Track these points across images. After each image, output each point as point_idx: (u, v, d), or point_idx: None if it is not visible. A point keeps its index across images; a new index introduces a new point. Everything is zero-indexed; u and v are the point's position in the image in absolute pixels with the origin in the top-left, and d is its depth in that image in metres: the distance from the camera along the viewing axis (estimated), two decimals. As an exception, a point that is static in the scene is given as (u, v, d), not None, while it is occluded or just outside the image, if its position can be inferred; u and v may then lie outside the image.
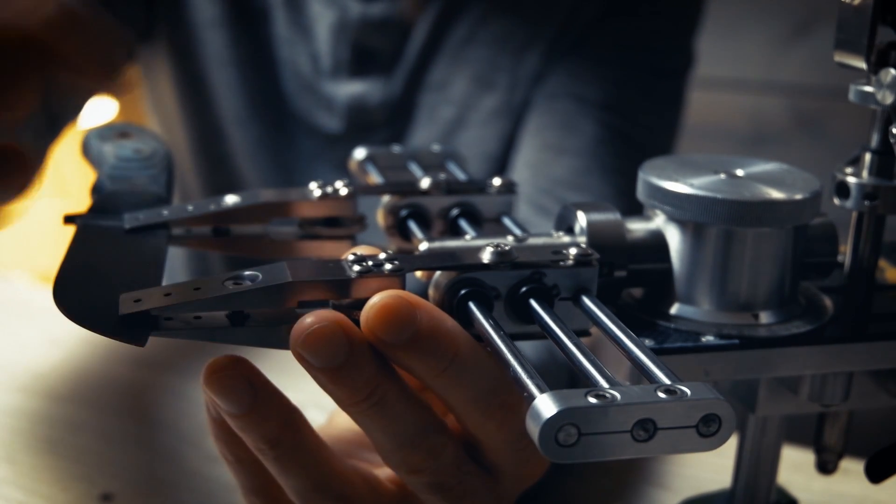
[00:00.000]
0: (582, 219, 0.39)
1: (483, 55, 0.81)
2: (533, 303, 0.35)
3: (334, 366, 0.33)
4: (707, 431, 0.28)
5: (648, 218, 0.41)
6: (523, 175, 0.77)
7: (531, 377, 0.29)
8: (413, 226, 0.43)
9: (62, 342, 0.77)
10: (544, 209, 0.73)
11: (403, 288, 0.35)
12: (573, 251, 0.36)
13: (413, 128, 0.84)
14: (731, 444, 0.38)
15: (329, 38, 0.82)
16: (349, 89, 0.83)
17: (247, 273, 0.34)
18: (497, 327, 0.33)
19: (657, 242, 0.40)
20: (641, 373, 0.31)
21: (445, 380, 0.34)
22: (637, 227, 0.40)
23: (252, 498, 0.40)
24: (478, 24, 0.81)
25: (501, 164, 0.82)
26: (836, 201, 0.40)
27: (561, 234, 0.40)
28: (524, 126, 0.81)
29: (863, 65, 0.37)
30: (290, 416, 0.36)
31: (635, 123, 0.79)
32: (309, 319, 0.33)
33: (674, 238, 0.40)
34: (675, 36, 0.84)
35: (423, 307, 0.33)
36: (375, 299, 0.33)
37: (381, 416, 0.35)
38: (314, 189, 0.44)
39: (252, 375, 0.35)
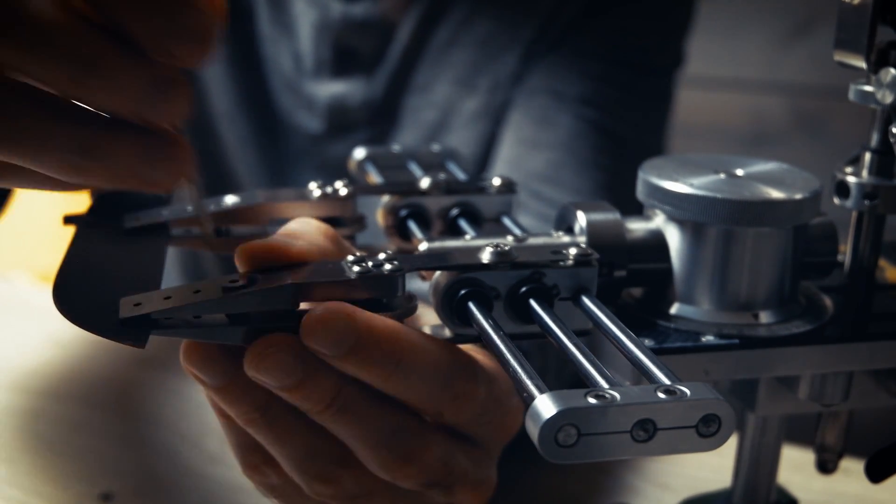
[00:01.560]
0: (582, 218, 0.39)
1: (466, 58, 0.81)
2: (533, 303, 0.35)
3: (290, 384, 0.33)
4: (707, 431, 0.28)
5: (648, 218, 0.41)
6: (500, 171, 0.77)
7: (531, 377, 0.29)
8: (413, 226, 0.43)
9: (62, 342, 0.77)
10: (518, 203, 0.72)
11: (402, 288, 0.35)
12: (573, 251, 0.36)
13: (396, 130, 0.84)
14: (731, 443, 0.38)
15: (311, 37, 0.82)
16: (330, 89, 0.83)
17: (247, 275, 0.34)
18: (497, 327, 0.33)
19: (657, 242, 0.40)
20: (641, 373, 0.31)
21: (393, 384, 0.34)
22: (637, 226, 0.40)
23: (247, 456, 0.39)
24: (461, 27, 0.81)
25: (484, 166, 0.82)
26: (836, 201, 0.40)
27: (560, 233, 0.40)
28: (503, 124, 0.81)
29: (863, 64, 0.37)
30: None
31: (615, 118, 0.78)
32: (260, 349, 0.33)
33: (674, 238, 0.40)
34: (660, 35, 0.83)
35: (359, 317, 0.33)
36: (312, 313, 0.33)
37: (348, 420, 0.35)
38: (314, 189, 0.44)
39: (230, 347, 0.35)
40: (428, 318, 0.40)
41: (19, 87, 0.29)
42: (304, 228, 0.37)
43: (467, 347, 0.38)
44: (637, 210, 0.42)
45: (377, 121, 0.83)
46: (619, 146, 0.77)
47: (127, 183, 0.31)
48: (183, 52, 0.30)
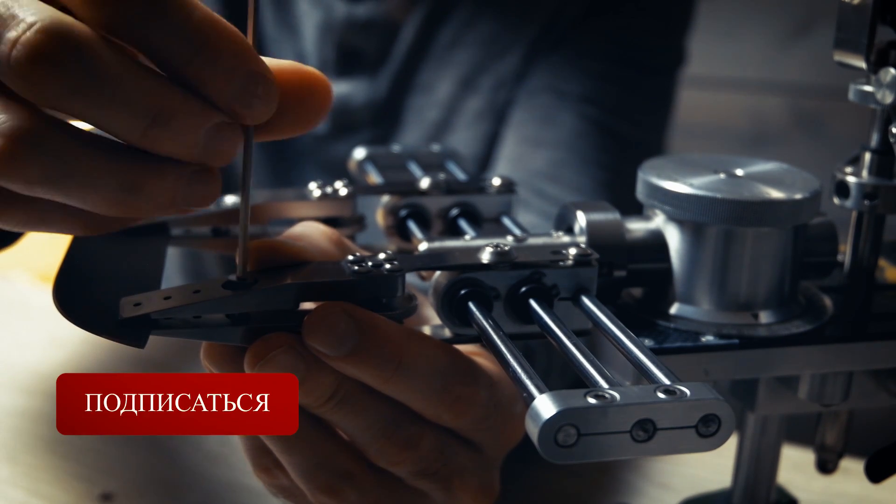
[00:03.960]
0: (581, 218, 0.39)
1: (469, 58, 0.81)
2: (532, 303, 0.35)
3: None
4: (706, 432, 0.28)
5: (648, 218, 0.41)
6: (503, 169, 0.77)
7: (530, 377, 0.29)
8: (413, 226, 0.43)
9: (62, 342, 0.77)
10: (521, 201, 0.73)
11: (403, 287, 0.35)
12: (572, 251, 0.36)
13: (399, 129, 0.84)
14: (731, 443, 0.38)
15: (315, 37, 0.82)
16: (333, 89, 0.82)
17: (246, 275, 0.34)
18: (496, 327, 0.33)
19: (657, 242, 0.40)
20: (641, 373, 0.31)
21: (393, 385, 0.34)
22: (637, 226, 0.40)
23: (258, 458, 0.39)
24: (465, 27, 0.81)
25: (486, 165, 0.82)
26: (836, 201, 0.40)
27: (560, 233, 0.40)
28: (506, 123, 0.81)
29: (862, 64, 0.37)
30: None
31: (618, 117, 0.78)
32: (260, 348, 0.33)
33: (673, 238, 0.40)
34: (662, 34, 0.83)
35: (362, 316, 0.33)
36: (314, 312, 0.33)
37: (346, 412, 0.35)
38: (313, 189, 0.44)
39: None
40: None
41: (66, 126, 0.29)
42: (307, 231, 0.37)
43: (471, 351, 0.38)
44: (639, 208, 0.42)
45: (380, 121, 0.83)
46: (620, 144, 0.77)
47: (164, 212, 0.31)
48: (250, 115, 0.31)
